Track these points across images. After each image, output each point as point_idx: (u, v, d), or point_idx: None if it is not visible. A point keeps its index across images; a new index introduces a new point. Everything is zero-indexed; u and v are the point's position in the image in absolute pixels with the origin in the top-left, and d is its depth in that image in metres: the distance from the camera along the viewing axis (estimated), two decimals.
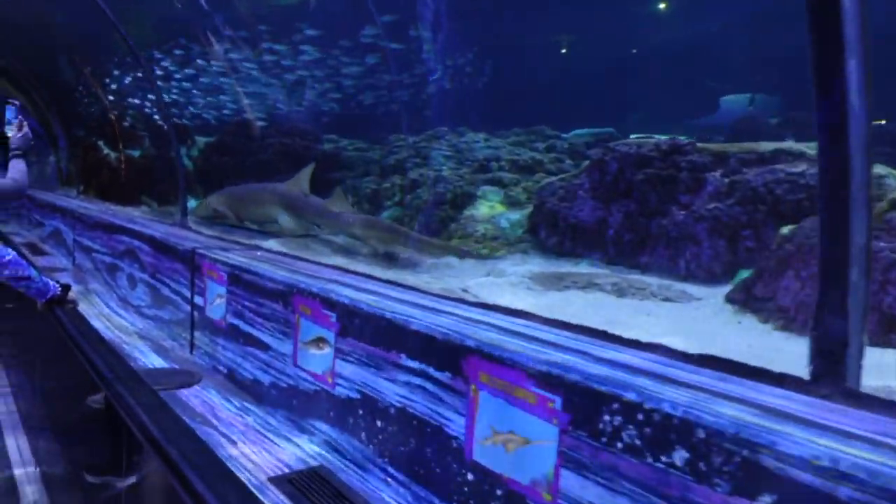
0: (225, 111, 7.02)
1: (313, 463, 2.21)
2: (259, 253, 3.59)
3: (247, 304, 2.89)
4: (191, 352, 3.49)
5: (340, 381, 2.25)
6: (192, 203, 6.47)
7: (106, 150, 7.19)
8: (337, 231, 5.89)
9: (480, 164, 5.49)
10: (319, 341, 2.35)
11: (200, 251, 3.44)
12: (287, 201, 6.14)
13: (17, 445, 3.50)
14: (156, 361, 3.39)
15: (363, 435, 2.14)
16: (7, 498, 3.12)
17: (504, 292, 3.38)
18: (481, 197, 4.95)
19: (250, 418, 2.59)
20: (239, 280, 2.97)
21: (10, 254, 2.81)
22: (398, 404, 2.00)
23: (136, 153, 7.14)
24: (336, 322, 2.27)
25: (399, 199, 5.42)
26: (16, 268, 2.80)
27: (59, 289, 3.05)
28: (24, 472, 3.32)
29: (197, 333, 3.44)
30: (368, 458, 2.12)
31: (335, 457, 2.22)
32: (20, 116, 3.97)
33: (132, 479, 2.05)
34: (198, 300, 3.43)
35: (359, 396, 2.15)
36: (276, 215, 6.16)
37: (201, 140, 7.05)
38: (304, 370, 2.44)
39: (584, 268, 3.99)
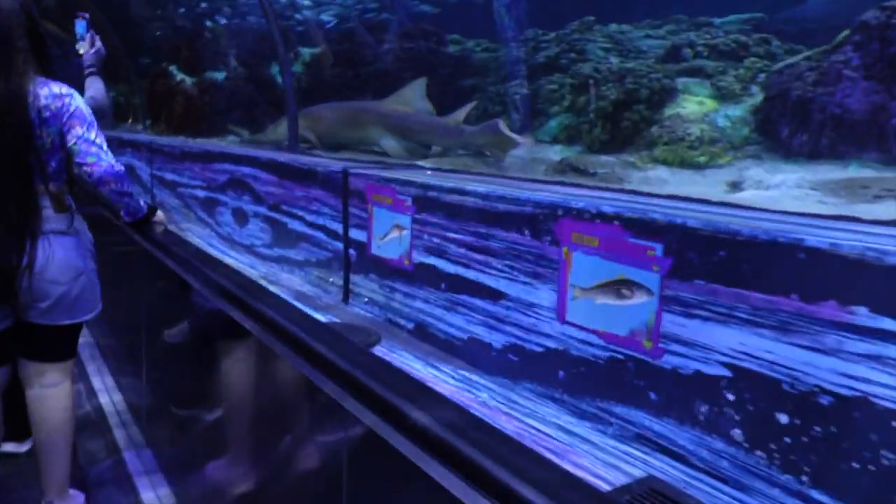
0: (333, 13, 6.27)
1: (634, 472, 1.52)
2: (429, 172, 2.88)
3: (453, 236, 2.19)
4: (345, 301, 2.86)
5: (672, 344, 1.52)
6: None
7: (180, 77, 6.59)
8: (464, 148, 5.17)
9: (669, 52, 4.57)
10: (624, 286, 1.61)
11: (357, 171, 2.75)
12: (391, 121, 5.44)
13: None
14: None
15: (732, 431, 1.42)
16: None
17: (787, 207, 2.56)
18: (683, 91, 4.06)
19: (484, 395, 1.92)
20: (436, 205, 2.26)
21: (121, 167, 2.91)
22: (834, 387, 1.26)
23: (220, 75, 6.51)
24: (662, 256, 1.53)
25: (570, 102, 4.58)
26: (121, 181, 2.93)
27: (147, 208, 3.31)
28: None
29: (355, 278, 2.79)
30: (745, 468, 1.40)
31: (672, 463, 1.52)
32: (92, 31, 3.51)
33: None
34: (355, 235, 2.77)
35: (729, 373, 1.42)
36: (377, 138, 5.46)
37: (306, 51, 6.35)
38: (587, 329, 1.73)
39: (866, 171, 3.12)
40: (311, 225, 3.14)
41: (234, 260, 3.83)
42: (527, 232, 1.91)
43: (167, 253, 3.67)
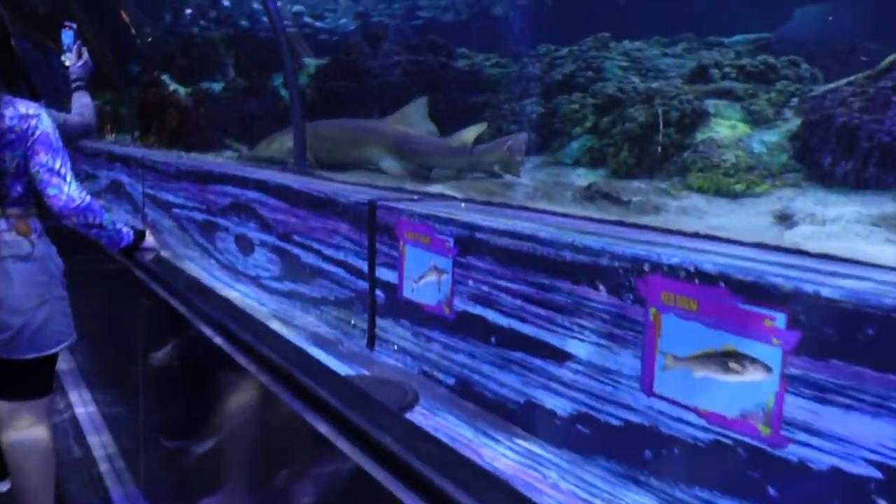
0: (342, 21, 6.05)
1: None
2: (463, 205, 2.66)
3: (506, 285, 1.96)
4: (370, 346, 2.62)
5: (798, 433, 1.30)
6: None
7: (173, 86, 6.32)
8: (473, 169, 4.98)
9: (696, 73, 4.40)
10: (733, 359, 1.40)
11: (386, 204, 2.52)
12: (392, 141, 5.23)
13: None
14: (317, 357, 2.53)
15: None
16: None
17: (857, 248, 2.37)
18: (715, 114, 3.88)
19: (553, 474, 1.69)
20: (486, 248, 2.04)
21: (85, 199, 2.73)
22: None
23: (217, 86, 6.25)
24: (785, 329, 1.32)
25: (592, 123, 4.39)
26: (85, 215, 2.74)
27: (132, 235, 3.17)
28: None
29: (383, 322, 2.56)
30: None
31: None
32: (79, 42, 3.26)
33: None
34: (383, 275, 2.53)
35: (879, 474, 1.21)
36: (376, 159, 5.26)
37: (311, 63, 6.12)
38: (683, 405, 1.51)
39: None
40: (329, 260, 2.90)
41: (239, 293, 3.57)
42: (601, 287, 1.69)
43: (163, 285, 3.44)
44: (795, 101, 3.90)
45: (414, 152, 5.21)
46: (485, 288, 2.05)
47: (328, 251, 2.90)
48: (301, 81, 5.83)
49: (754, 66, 4.22)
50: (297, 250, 3.16)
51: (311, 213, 3.02)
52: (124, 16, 7.00)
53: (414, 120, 5.29)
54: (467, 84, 5.69)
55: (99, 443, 4.90)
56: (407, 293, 2.41)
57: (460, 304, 2.15)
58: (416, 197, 2.88)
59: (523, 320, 1.92)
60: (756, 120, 3.84)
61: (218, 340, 2.53)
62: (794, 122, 3.79)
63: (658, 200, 3.56)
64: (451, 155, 4.97)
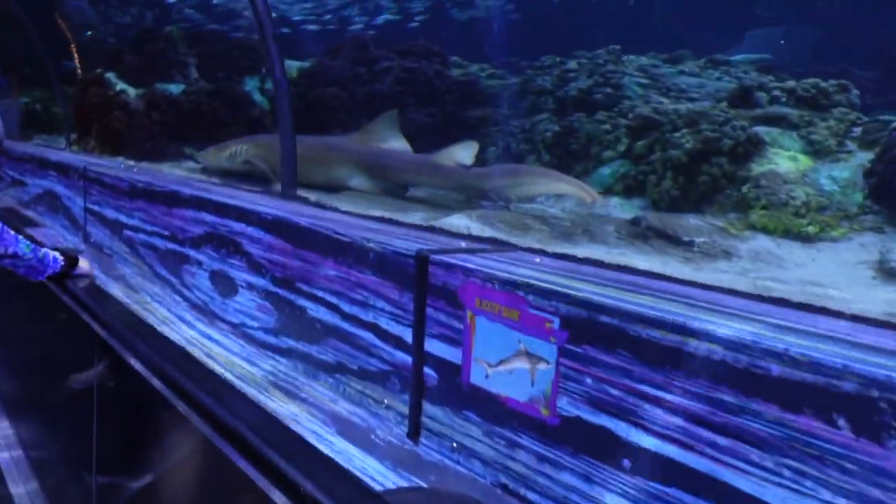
0: (327, 17, 5.42)
1: None
2: (538, 259, 2.13)
3: (656, 393, 1.43)
4: (413, 437, 2.06)
5: None
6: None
7: (120, 86, 5.54)
8: (461, 191, 4.48)
9: (739, 95, 3.98)
10: None
11: (445, 260, 1.96)
12: (363, 158, 4.69)
13: None
14: (335, 444, 1.96)
15: None
16: None
17: None
18: (771, 144, 3.46)
19: None
20: (610, 335, 1.51)
21: None
22: None
23: (176, 88, 5.51)
24: None
25: (626, 147, 3.92)
26: None
27: (62, 262, 2.94)
28: None
29: (433, 409, 1.99)
30: None
31: None
32: None
33: None
34: (436, 349, 1.97)
35: None
36: (345, 178, 4.70)
37: (292, 65, 5.47)
38: None
39: None
40: (351, 319, 2.30)
41: (217, 344, 2.93)
42: (841, 421, 1.18)
43: (96, 319, 2.89)
44: (857, 130, 3.52)
45: (389, 170, 4.68)
46: (615, 392, 1.51)
47: (349, 308, 2.31)
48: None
49: (805, 90, 3.84)
50: (301, 300, 2.56)
51: (326, 259, 2.42)
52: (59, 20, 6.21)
53: (384, 135, 4.75)
54: (463, 96, 5.16)
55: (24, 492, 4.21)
56: (477, 379, 1.85)
57: (570, 407, 1.61)
58: (464, 244, 2.32)
59: (688, 448, 1.39)
60: (817, 152, 3.44)
61: (155, 383, 2.31)
62: (862, 156, 3.40)
63: (724, 242, 3.10)
64: (436, 174, 4.46)
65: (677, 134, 3.61)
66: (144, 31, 5.60)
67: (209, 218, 3.14)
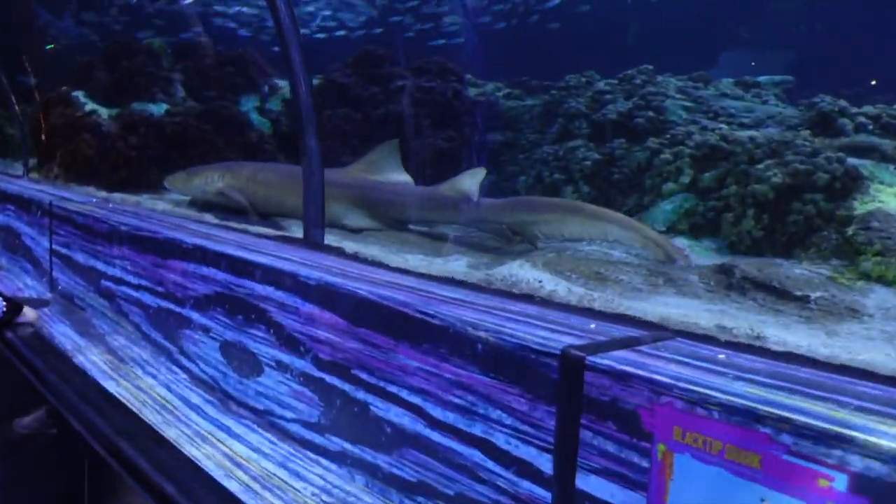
0: (332, 27, 4.79)
1: None
2: (723, 356, 1.56)
3: None
4: None
5: None
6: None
7: (90, 106, 4.81)
8: (471, 225, 3.92)
9: (818, 121, 3.50)
10: None
11: (614, 366, 1.38)
12: (358, 193, 4.11)
13: None
14: None
15: None
16: None
17: None
18: (870, 179, 2.98)
19: None
20: None
21: None
22: None
23: (158, 109, 4.80)
24: None
25: (690, 179, 3.40)
26: None
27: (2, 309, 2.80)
28: None
29: None
30: None
31: None
32: None
33: None
34: (596, 489, 1.39)
35: None
36: (340, 215, 4.10)
37: (287, 86, 4.82)
38: None
39: None
40: (445, 428, 1.70)
41: (227, 435, 2.29)
42: None
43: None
44: None
45: (388, 205, 4.10)
46: None
47: (442, 413, 1.71)
48: (274, 107, 4.56)
49: (893, 117, 3.38)
50: (361, 393, 1.94)
51: (402, 343, 1.81)
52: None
53: (383, 166, 4.17)
54: (482, 118, 4.60)
55: None
56: None
57: None
58: (617, 332, 1.75)
59: None
60: None
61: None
62: None
63: (843, 296, 2.58)
64: (443, 208, 3.89)
65: (760, 166, 3.10)
66: (118, 44, 4.88)
67: (220, 276, 2.50)
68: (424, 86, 4.40)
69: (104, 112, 4.77)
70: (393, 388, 1.84)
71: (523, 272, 2.86)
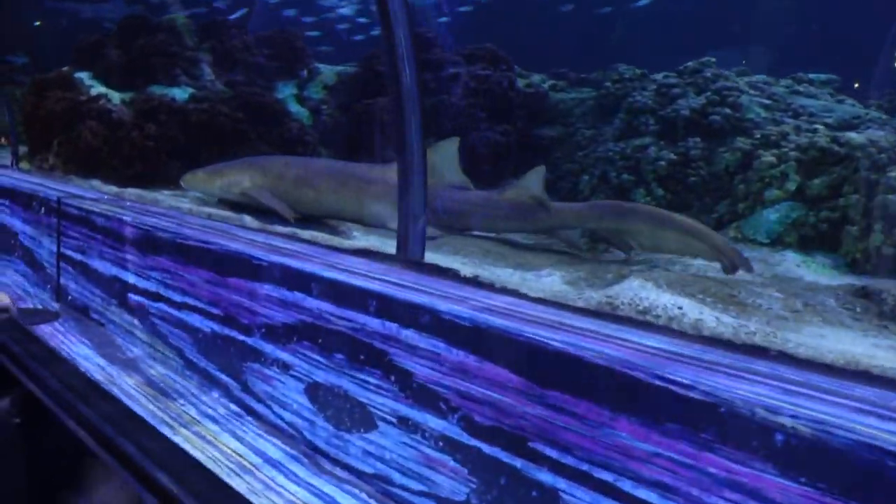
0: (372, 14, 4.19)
1: None
2: None
3: None
4: None
5: None
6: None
7: (97, 90, 4.09)
8: (545, 232, 3.44)
9: None
10: None
11: None
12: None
13: None
14: None
15: None
16: None
17: None
18: None
19: None
20: None
21: None
22: None
23: (181, 93, 4.11)
24: None
25: (797, 186, 2.94)
26: None
27: None
28: None
29: None
30: None
31: None
32: None
33: None
34: None
35: None
36: (382, 218, 3.53)
37: (329, 71, 4.20)
38: None
39: None
40: None
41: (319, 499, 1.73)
42: None
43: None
44: None
45: (449, 213, 3.52)
46: None
47: None
48: (314, 94, 3.94)
49: None
50: (547, 476, 1.41)
51: (620, 418, 1.28)
52: None
53: (440, 166, 3.59)
54: (532, 112, 4.06)
55: None
56: None
57: None
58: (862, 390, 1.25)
59: None
60: None
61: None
62: None
63: None
64: (516, 216, 3.36)
65: (893, 174, 2.64)
66: (135, 20, 4.15)
67: (311, 303, 1.93)
68: (479, 74, 3.85)
69: (115, 96, 4.07)
70: (606, 476, 1.31)
71: (651, 294, 2.34)
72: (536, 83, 4.33)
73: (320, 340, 1.92)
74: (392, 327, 1.71)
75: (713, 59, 4.08)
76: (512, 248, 3.15)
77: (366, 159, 3.85)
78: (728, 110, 3.59)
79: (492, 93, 3.84)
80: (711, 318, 2.20)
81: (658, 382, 1.25)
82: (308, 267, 1.99)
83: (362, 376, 1.79)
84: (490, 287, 1.93)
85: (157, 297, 2.59)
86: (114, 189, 3.73)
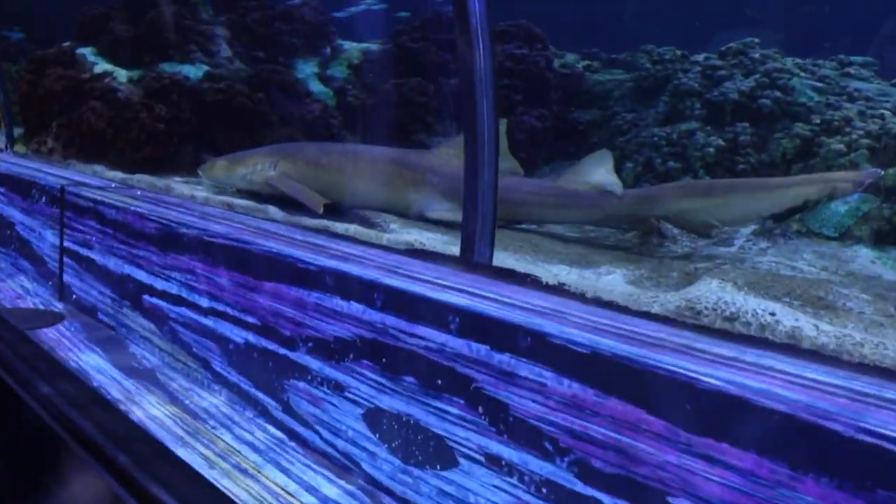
0: None
1: None
2: None
3: None
4: None
5: None
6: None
7: (101, 66, 3.70)
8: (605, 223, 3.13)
9: None
10: None
11: None
12: (458, 184, 3.18)
13: None
14: None
15: None
16: None
17: None
18: None
19: None
20: None
21: None
22: None
23: (195, 72, 3.72)
24: None
25: None
26: None
27: None
28: None
29: None
30: None
31: None
32: None
33: None
34: None
35: None
36: (422, 207, 3.20)
37: (354, 48, 3.84)
38: None
39: None
40: None
41: None
42: None
43: None
44: None
45: (506, 202, 3.18)
46: None
47: None
48: (338, 73, 3.60)
49: None
50: None
51: (801, 475, 1.00)
52: None
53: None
54: (568, 94, 3.74)
55: None
56: None
57: None
58: None
59: None
60: None
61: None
62: None
63: None
64: (579, 206, 3.05)
65: None
66: None
67: (375, 317, 1.62)
68: (515, 53, 3.52)
69: (122, 74, 3.69)
70: None
71: (736, 298, 2.06)
72: (571, 63, 4.01)
73: (384, 360, 1.62)
74: (481, 350, 1.41)
75: (756, 40, 3.79)
76: (562, 243, 2.86)
77: (395, 144, 3.54)
78: (778, 93, 3.31)
79: (528, 73, 3.52)
80: (809, 326, 1.91)
81: (865, 438, 0.97)
82: (367, 273, 1.68)
83: (439, 405, 1.50)
84: (582, 298, 1.63)
85: (178, 301, 2.28)
86: (119, 175, 3.39)
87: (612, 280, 2.44)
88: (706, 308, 2.07)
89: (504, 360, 1.38)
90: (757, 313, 1.97)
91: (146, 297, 2.45)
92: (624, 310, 1.57)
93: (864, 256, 2.65)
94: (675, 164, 3.24)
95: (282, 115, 3.47)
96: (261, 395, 2.00)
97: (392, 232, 2.83)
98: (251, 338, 2.01)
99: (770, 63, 3.47)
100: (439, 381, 1.50)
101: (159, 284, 2.37)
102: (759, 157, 3.16)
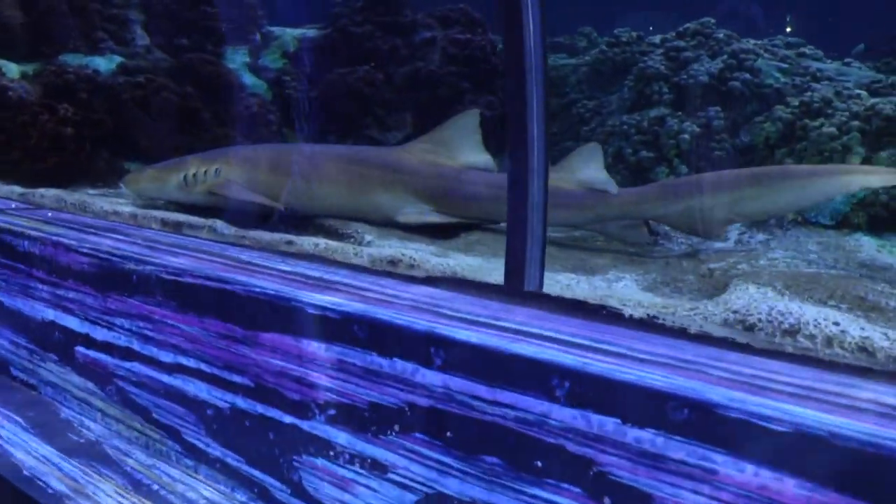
0: None
1: None
2: None
3: None
4: None
5: None
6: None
7: None
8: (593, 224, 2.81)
9: None
10: None
11: None
12: (427, 183, 2.80)
13: None
14: None
15: None
16: None
17: None
18: None
19: None
20: None
21: None
22: None
23: (105, 63, 2.95)
24: None
25: (861, 160, 2.50)
26: None
27: None
28: None
29: None
30: None
31: None
32: None
33: None
34: None
35: None
36: (393, 208, 2.79)
37: (287, 34, 3.24)
38: None
39: None
40: None
41: None
42: None
43: None
44: None
45: (476, 200, 2.79)
46: None
47: None
48: (271, 63, 3.04)
49: None
50: None
51: None
52: None
53: (459, 146, 2.86)
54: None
55: None
56: None
57: None
58: None
59: None
60: None
61: None
62: None
63: None
64: (558, 205, 2.71)
65: None
66: None
67: (433, 378, 1.20)
68: (458, 38, 3.10)
69: (12, 69, 2.91)
70: None
71: (790, 307, 1.79)
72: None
73: (449, 434, 1.20)
74: (605, 424, 1.03)
75: (713, 21, 3.60)
76: (556, 246, 2.52)
77: (344, 141, 3.05)
78: (747, 75, 3.12)
79: (473, 59, 3.12)
80: (879, 336, 1.67)
81: None
82: (412, 320, 1.25)
83: (542, 493, 1.11)
84: (684, 333, 1.28)
85: (127, 355, 1.73)
86: (17, 190, 2.70)
87: (625, 287, 2.13)
88: (759, 321, 1.78)
89: (641, 436, 1.01)
90: (819, 324, 1.70)
91: (80, 348, 1.87)
92: (747, 348, 1.24)
93: (867, 245, 2.49)
94: (648, 154, 2.98)
95: (215, 111, 2.87)
96: (257, 474, 1.52)
97: (369, 245, 2.38)
98: (240, 402, 1.52)
99: (735, 43, 3.28)
100: (539, 464, 1.11)
101: (99, 334, 1.80)
102: (734, 142, 2.97)
